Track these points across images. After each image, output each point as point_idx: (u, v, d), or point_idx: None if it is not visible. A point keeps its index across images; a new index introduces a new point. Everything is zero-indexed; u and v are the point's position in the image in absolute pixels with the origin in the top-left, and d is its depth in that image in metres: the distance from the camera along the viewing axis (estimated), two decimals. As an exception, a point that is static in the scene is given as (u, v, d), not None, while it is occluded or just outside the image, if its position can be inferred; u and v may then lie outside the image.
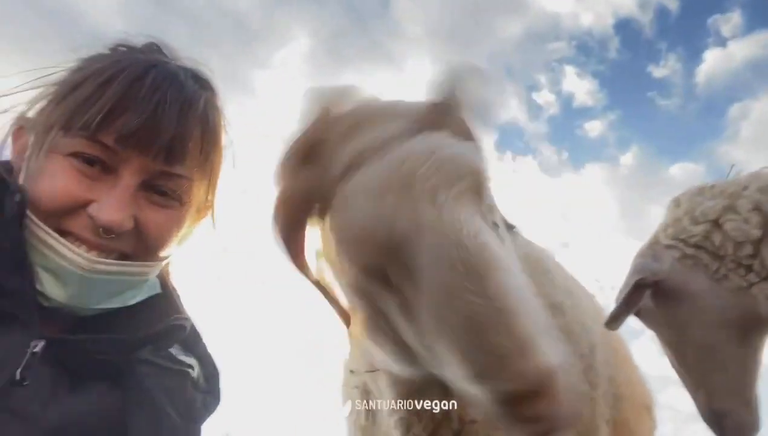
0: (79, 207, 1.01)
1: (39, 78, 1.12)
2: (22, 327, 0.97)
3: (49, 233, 1.00)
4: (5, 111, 1.12)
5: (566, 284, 1.89)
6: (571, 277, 1.98)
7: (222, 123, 1.19)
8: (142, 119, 1.01)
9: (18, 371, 0.93)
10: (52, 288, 1.01)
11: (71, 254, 0.99)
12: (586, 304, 1.95)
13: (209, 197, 1.20)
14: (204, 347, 1.25)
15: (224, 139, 1.20)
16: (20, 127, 1.13)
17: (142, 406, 1.05)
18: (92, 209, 1.00)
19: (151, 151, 1.03)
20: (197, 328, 1.26)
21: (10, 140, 1.14)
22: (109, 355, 1.05)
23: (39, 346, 0.96)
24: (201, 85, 1.16)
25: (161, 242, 1.10)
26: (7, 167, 1.09)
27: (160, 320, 1.11)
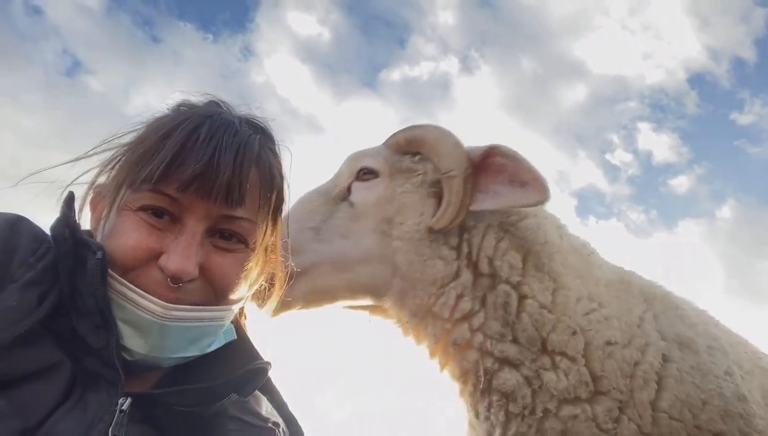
0: (151, 259, 1.05)
1: (109, 141, 1.19)
2: (108, 385, 1.01)
3: (126, 285, 1.03)
4: (77, 180, 1.17)
5: (706, 328, 1.68)
6: (721, 325, 1.73)
7: (278, 166, 1.23)
8: (201, 166, 1.05)
9: (110, 430, 0.96)
10: (132, 340, 1.03)
11: (148, 303, 1.02)
12: (743, 353, 1.67)
13: (273, 240, 1.23)
14: (286, 405, 1.31)
15: (282, 182, 1.23)
16: (97, 195, 1.19)
17: None
18: (162, 260, 1.04)
19: (211, 195, 1.06)
20: (277, 386, 1.32)
21: (89, 209, 1.20)
22: (195, 406, 1.07)
23: (126, 403, 0.99)
24: (255, 129, 1.20)
25: (229, 285, 1.12)
26: (89, 234, 1.15)
27: (240, 366, 1.14)
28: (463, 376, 1.54)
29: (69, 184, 1.14)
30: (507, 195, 1.52)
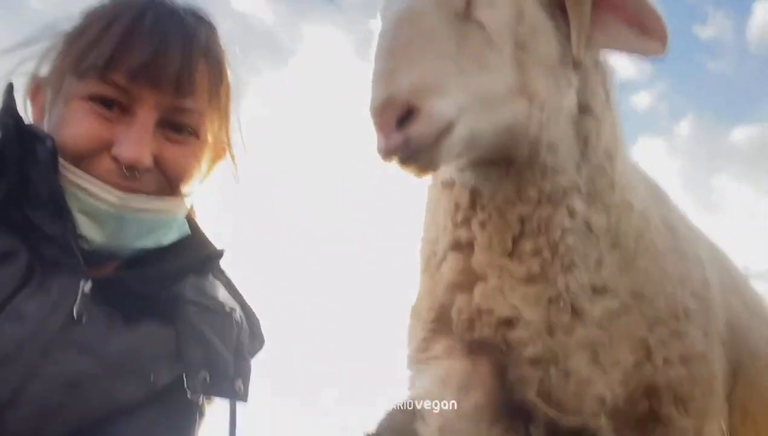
0: (103, 149, 1.06)
1: (45, 30, 1.17)
2: (68, 271, 1.02)
3: (81, 176, 1.03)
4: (15, 70, 1.15)
5: (682, 217, 1.80)
6: (687, 218, 1.87)
7: (226, 57, 1.24)
8: (148, 54, 1.05)
9: (74, 309, 0.99)
10: (89, 230, 1.05)
11: (104, 194, 1.03)
12: (704, 243, 1.84)
13: (224, 133, 1.26)
14: (241, 294, 1.32)
15: (230, 74, 1.24)
16: (37, 87, 1.18)
17: (193, 341, 1.11)
18: (114, 150, 1.05)
19: (160, 85, 1.07)
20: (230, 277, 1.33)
21: (29, 103, 1.18)
22: (154, 289, 1.10)
23: (87, 286, 1.02)
24: (200, 20, 1.20)
25: (182, 176, 1.14)
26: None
27: (196, 252, 1.20)
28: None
29: (8, 74, 1.13)
30: (629, 40, 1.39)
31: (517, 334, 1.45)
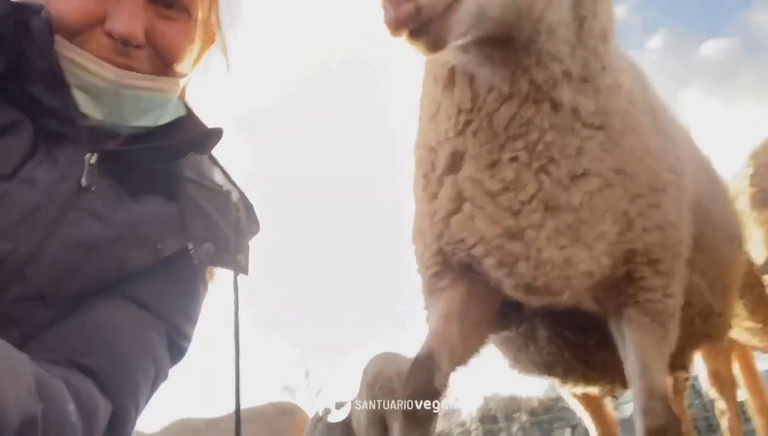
0: (95, 24, 1.05)
1: None
2: (72, 143, 1.04)
3: (76, 52, 1.03)
4: None
5: (659, 98, 1.92)
6: (662, 99, 1.99)
7: None
8: None
9: (83, 178, 1.02)
10: (87, 106, 1.05)
11: (100, 70, 1.04)
12: (677, 124, 2.00)
13: (213, 15, 1.24)
14: (235, 181, 1.34)
15: None
16: None
17: (195, 214, 1.15)
18: (107, 24, 1.04)
19: None
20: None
21: None
22: (157, 162, 1.14)
23: (94, 157, 1.05)
24: None
25: (175, 54, 1.14)
26: None
27: (194, 131, 1.21)
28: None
29: None
30: None
31: (478, 250, 1.64)
